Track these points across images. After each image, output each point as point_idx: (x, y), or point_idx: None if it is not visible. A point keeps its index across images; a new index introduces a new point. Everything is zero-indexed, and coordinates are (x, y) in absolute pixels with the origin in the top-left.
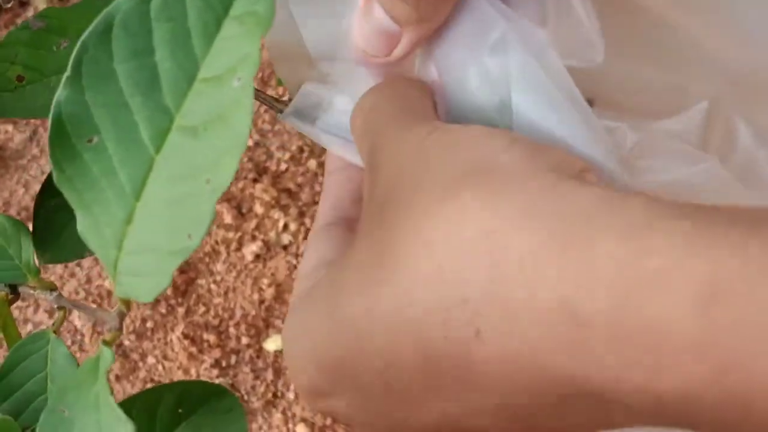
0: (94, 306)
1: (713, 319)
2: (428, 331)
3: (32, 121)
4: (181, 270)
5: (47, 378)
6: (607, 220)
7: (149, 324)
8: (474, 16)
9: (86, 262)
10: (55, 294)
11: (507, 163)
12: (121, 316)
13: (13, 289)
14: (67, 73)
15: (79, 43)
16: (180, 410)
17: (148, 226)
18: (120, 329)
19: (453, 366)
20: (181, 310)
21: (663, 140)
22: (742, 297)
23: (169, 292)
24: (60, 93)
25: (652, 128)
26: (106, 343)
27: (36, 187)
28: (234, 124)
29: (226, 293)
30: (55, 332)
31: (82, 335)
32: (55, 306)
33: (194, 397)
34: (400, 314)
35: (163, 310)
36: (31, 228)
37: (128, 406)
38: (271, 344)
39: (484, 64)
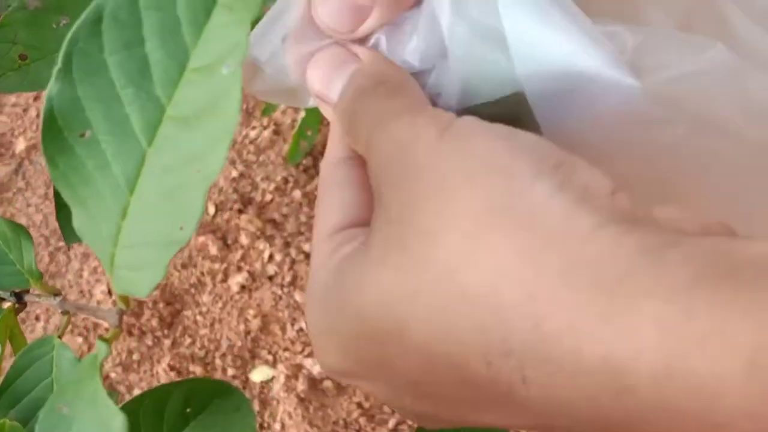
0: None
1: (763, 384)
2: (467, 358)
3: (17, 153)
4: (167, 301)
5: (53, 383)
6: (651, 281)
7: (135, 356)
8: None
9: (86, 271)
10: (59, 299)
11: (544, 216)
12: (120, 314)
13: (19, 298)
14: (58, 66)
15: (68, 36)
16: (188, 409)
17: (143, 219)
18: (120, 327)
19: (492, 392)
20: (167, 342)
21: (663, 36)
22: None
23: (155, 323)
24: (51, 87)
25: (649, 28)
26: (104, 339)
27: (22, 220)
28: (224, 113)
29: (212, 324)
30: (59, 337)
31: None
32: (60, 311)
33: (202, 395)
34: (436, 335)
35: (150, 342)
36: None
37: (136, 405)
38: (257, 375)
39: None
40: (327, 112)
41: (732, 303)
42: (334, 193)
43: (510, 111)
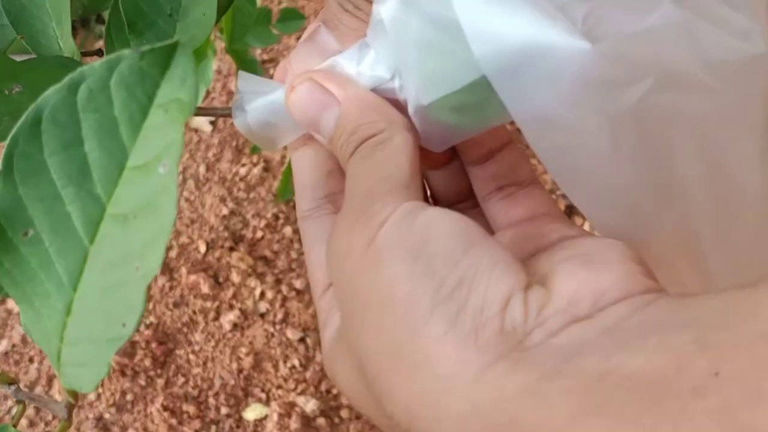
0: (46, 397)
1: None
2: None
3: None
4: (160, 341)
5: None
6: (535, 425)
7: (129, 396)
8: None
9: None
10: (14, 388)
11: (439, 357)
12: (69, 408)
13: None
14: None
15: (9, 138)
16: None
17: (86, 316)
18: (69, 420)
19: None
20: (160, 382)
21: (611, 1)
22: None
23: (148, 363)
24: None
25: None
26: None
27: None
28: (161, 211)
29: (204, 363)
30: (14, 426)
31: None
32: (14, 399)
33: None
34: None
35: (143, 382)
36: None
37: None
38: (251, 413)
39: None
40: (295, 161)
41: None
42: (313, 249)
43: (477, 97)
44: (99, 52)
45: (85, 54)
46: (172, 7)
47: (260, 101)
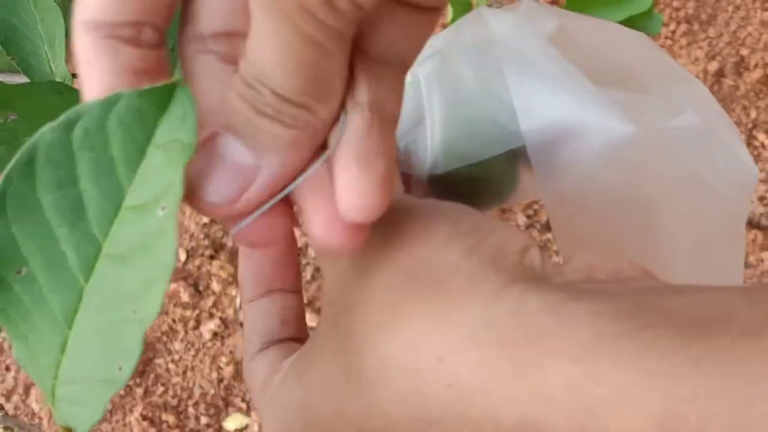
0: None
1: None
2: None
3: None
4: None
5: None
6: (555, 340)
7: (107, 405)
8: None
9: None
10: (1, 414)
11: (453, 278)
12: None
13: None
14: None
15: (2, 176)
16: None
17: (82, 355)
18: None
19: None
20: (139, 391)
21: (644, 99)
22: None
23: None
24: None
25: (632, 94)
26: None
27: None
28: (159, 254)
29: (184, 372)
30: None
31: None
32: (1, 426)
33: None
34: (365, 410)
35: (122, 391)
36: None
37: None
38: (231, 423)
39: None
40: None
41: (635, 365)
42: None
43: (489, 170)
44: None
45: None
46: (174, 42)
47: None
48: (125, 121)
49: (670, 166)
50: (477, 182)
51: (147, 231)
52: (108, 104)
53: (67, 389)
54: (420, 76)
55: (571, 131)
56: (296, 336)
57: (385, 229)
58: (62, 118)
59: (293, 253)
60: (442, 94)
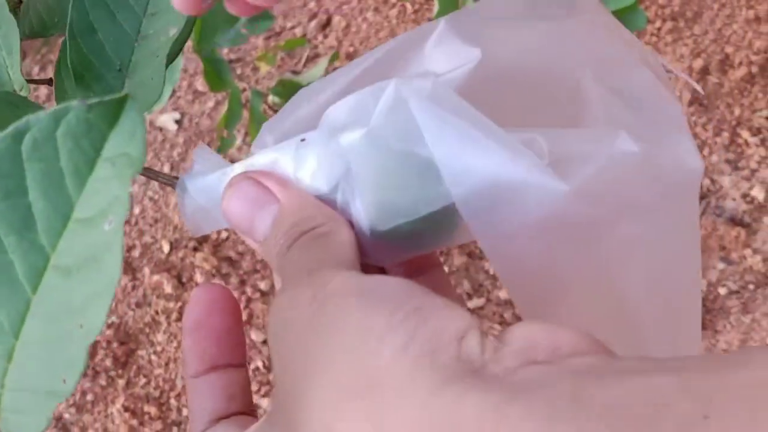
0: None
1: None
2: None
3: None
4: (121, 341)
5: None
6: None
7: (89, 396)
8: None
9: None
10: None
11: (388, 379)
12: None
13: None
14: None
15: None
16: None
17: (28, 365)
18: None
19: None
20: (121, 382)
21: (571, 134)
22: None
23: (109, 363)
24: None
25: (556, 129)
26: None
27: None
28: (105, 267)
29: (167, 364)
30: None
31: None
32: None
33: None
34: None
35: (104, 382)
36: None
37: None
38: None
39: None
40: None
41: None
42: None
43: (429, 222)
44: (49, 81)
45: (32, 81)
46: (122, 62)
47: (203, 182)
48: (74, 132)
49: (611, 206)
50: (420, 232)
51: (94, 244)
52: (57, 116)
53: (13, 398)
54: (344, 144)
55: (504, 193)
56: (242, 410)
57: (327, 320)
58: (11, 128)
59: (238, 328)
60: (369, 163)
